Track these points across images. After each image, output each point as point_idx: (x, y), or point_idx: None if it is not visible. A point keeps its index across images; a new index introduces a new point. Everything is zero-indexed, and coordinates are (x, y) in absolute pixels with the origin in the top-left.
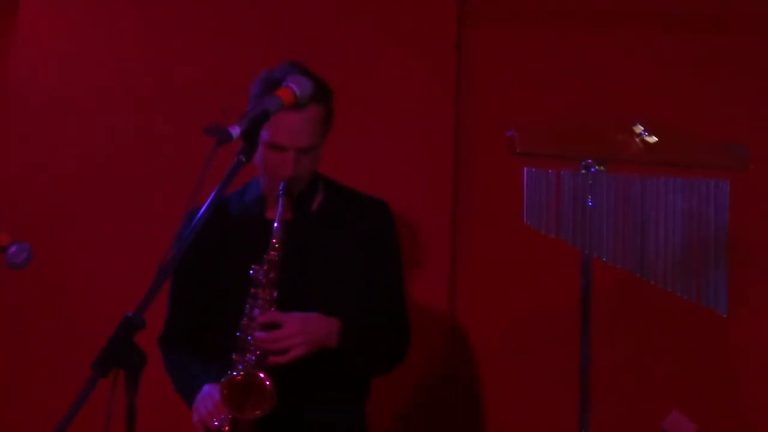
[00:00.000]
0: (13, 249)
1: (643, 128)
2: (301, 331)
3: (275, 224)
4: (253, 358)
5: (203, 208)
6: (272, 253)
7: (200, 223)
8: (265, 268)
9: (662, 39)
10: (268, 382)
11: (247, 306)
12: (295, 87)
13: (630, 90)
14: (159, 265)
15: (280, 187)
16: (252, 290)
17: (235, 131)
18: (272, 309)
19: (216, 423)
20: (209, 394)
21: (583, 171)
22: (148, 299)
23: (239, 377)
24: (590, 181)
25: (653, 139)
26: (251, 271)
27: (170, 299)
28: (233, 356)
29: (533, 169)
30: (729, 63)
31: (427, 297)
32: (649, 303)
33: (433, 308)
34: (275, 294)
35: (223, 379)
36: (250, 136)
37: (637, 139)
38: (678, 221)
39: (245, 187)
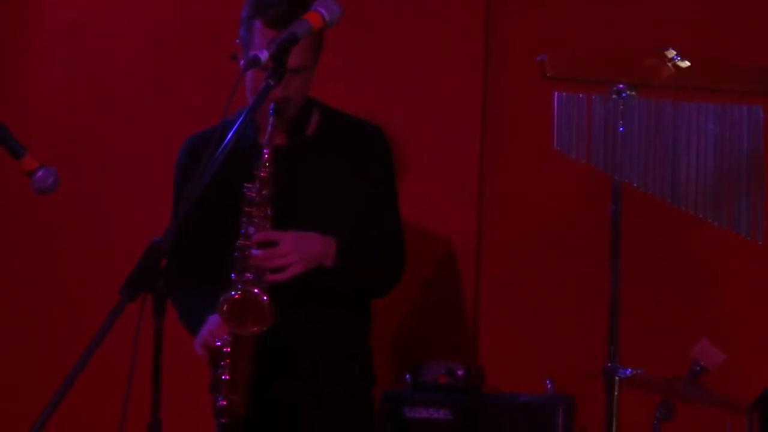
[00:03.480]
0: (40, 173)
1: (675, 53)
2: (297, 249)
3: (264, 142)
4: (251, 277)
5: (229, 135)
6: (263, 170)
7: (227, 149)
8: (258, 185)
9: None
10: (265, 298)
11: (243, 225)
12: (324, 11)
13: (662, 14)
14: (187, 189)
15: (271, 107)
16: (246, 209)
17: (264, 55)
18: (267, 226)
19: (218, 343)
20: (211, 321)
21: (615, 96)
22: (176, 224)
23: (237, 295)
24: (621, 107)
25: (685, 63)
26: (244, 189)
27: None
28: (232, 276)
29: (564, 94)
30: None
31: (455, 226)
32: (681, 230)
33: (461, 238)
34: (269, 212)
35: (221, 297)
36: (279, 60)
37: (669, 64)
38: (710, 147)
39: (239, 113)
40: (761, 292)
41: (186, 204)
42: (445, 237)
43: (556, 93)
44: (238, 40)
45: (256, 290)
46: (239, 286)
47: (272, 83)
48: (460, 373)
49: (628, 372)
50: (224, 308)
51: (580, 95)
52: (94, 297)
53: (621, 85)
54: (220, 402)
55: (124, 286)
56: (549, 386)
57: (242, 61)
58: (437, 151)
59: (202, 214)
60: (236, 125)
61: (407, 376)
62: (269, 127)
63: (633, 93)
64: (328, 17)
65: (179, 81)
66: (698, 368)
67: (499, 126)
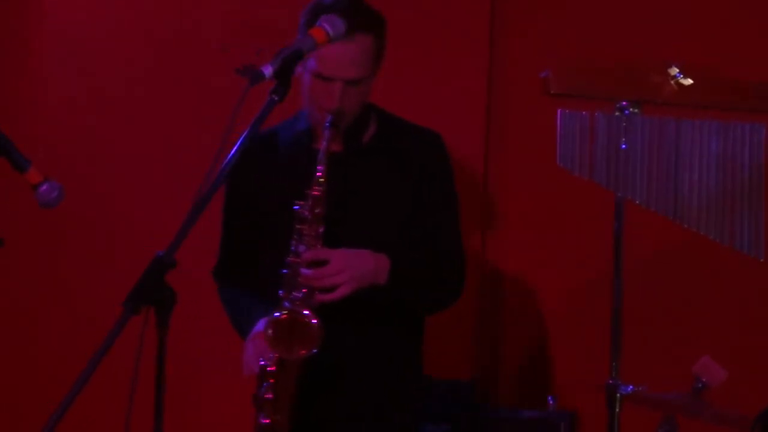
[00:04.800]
0: (44, 187)
1: (678, 70)
2: (348, 268)
3: (318, 158)
4: (300, 295)
5: (235, 148)
6: (316, 188)
7: (231, 164)
8: (310, 203)
9: None
10: (314, 321)
11: (293, 242)
12: (328, 27)
13: (666, 31)
14: (192, 202)
15: (327, 119)
16: (297, 226)
17: (268, 71)
18: (319, 245)
19: (262, 363)
20: (260, 331)
21: (618, 113)
22: (180, 237)
23: (284, 316)
24: (624, 123)
25: (688, 81)
26: (296, 207)
27: (222, 231)
28: (280, 293)
29: (567, 111)
30: (767, 2)
31: None
32: (683, 247)
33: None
34: (321, 230)
35: (267, 319)
36: (283, 76)
37: (672, 81)
38: (713, 164)
39: (295, 117)
40: (764, 309)
41: (195, 213)
42: None
43: (559, 110)
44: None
45: (305, 312)
46: (286, 305)
47: (276, 99)
48: (462, 388)
49: (629, 388)
50: (269, 332)
51: (583, 112)
52: (94, 298)
53: (624, 102)
54: (263, 420)
55: (127, 299)
56: (551, 402)
57: (299, 68)
58: None
59: (256, 222)
60: (238, 143)
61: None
62: (324, 142)
63: (636, 110)
64: (332, 33)
65: (180, 83)
66: (700, 385)
67: (503, 142)
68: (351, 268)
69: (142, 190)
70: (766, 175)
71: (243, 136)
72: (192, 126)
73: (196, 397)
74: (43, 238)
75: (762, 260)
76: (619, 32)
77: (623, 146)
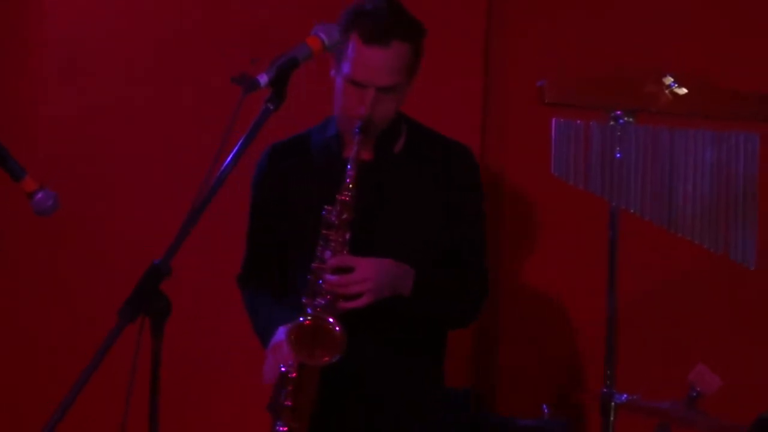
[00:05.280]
0: (39, 195)
1: (672, 79)
2: (373, 276)
3: (348, 165)
4: (323, 302)
5: (230, 157)
6: (345, 193)
7: (226, 172)
8: (338, 209)
9: None
10: (338, 328)
11: (319, 248)
12: (324, 36)
13: (660, 41)
14: (189, 210)
15: (357, 125)
16: (324, 231)
17: (263, 79)
18: (345, 252)
19: (283, 369)
20: (281, 340)
21: (612, 122)
22: (176, 245)
23: (308, 322)
24: (619, 133)
25: (683, 90)
26: (323, 212)
27: (248, 236)
28: (303, 300)
29: (562, 120)
30: (761, 13)
31: None
32: (677, 256)
33: None
34: (348, 236)
35: (291, 324)
36: (279, 85)
37: (667, 91)
38: (707, 174)
39: (325, 122)
40: (758, 318)
41: (191, 221)
42: None
43: (554, 119)
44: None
45: (330, 319)
46: (309, 312)
47: (272, 108)
48: (458, 397)
49: (624, 397)
50: (292, 337)
51: (578, 121)
52: (93, 301)
53: (618, 112)
54: (280, 428)
55: (122, 308)
56: (546, 411)
57: (332, 71)
58: None
59: (282, 227)
60: (233, 152)
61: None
62: (355, 147)
63: (630, 119)
64: (328, 42)
65: (179, 86)
66: (695, 393)
67: (499, 150)
68: (376, 277)
69: (141, 192)
70: (760, 185)
71: (238, 145)
72: (191, 129)
73: (193, 404)
74: (42, 241)
75: (753, 269)
76: (615, 41)
77: (618, 155)
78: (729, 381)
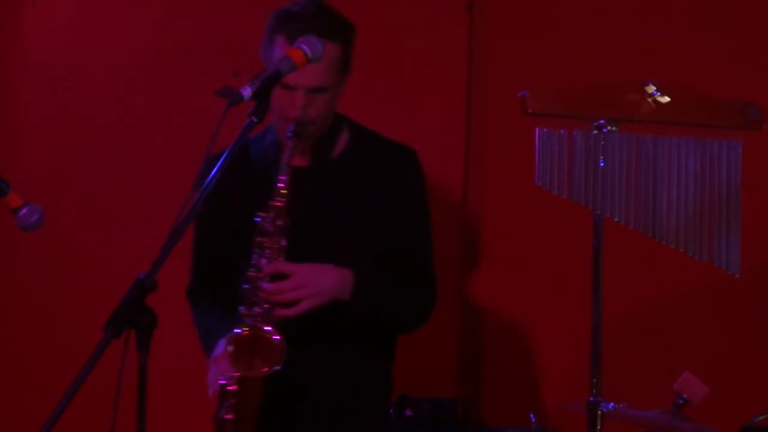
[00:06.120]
0: (24, 211)
1: (655, 88)
2: (310, 282)
3: (281, 170)
4: (261, 311)
5: (214, 170)
6: (278, 199)
7: (211, 184)
8: (272, 215)
9: None
10: (276, 337)
11: (254, 256)
12: (307, 48)
13: (642, 50)
14: (173, 224)
15: (289, 129)
16: (258, 239)
17: (247, 92)
18: (281, 259)
19: (222, 382)
20: (221, 353)
21: (595, 131)
22: (161, 260)
23: (245, 333)
24: (602, 142)
25: (666, 99)
26: (257, 219)
27: (193, 249)
28: (241, 310)
29: (545, 130)
30: (743, 22)
31: (439, 260)
32: (662, 264)
33: (446, 272)
34: (284, 243)
35: (228, 336)
36: (262, 97)
37: (650, 99)
38: (690, 182)
39: (265, 130)
40: (743, 325)
41: (176, 235)
42: None
43: (537, 129)
44: (261, 55)
45: (266, 328)
46: (247, 322)
47: (255, 120)
48: (444, 407)
49: (611, 406)
50: (230, 349)
51: (561, 131)
52: (77, 319)
53: (602, 121)
54: None
55: (108, 323)
56: (533, 420)
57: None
58: None
59: (226, 239)
60: (218, 164)
61: (391, 410)
62: (286, 152)
63: (614, 128)
64: (311, 54)
65: (164, 102)
66: (681, 401)
67: (482, 162)
68: (313, 283)
69: (126, 206)
70: (743, 192)
71: (222, 158)
72: (175, 142)
73: (179, 419)
74: (25, 255)
75: (738, 276)
76: (596, 51)
77: (601, 164)
78: (715, 389)
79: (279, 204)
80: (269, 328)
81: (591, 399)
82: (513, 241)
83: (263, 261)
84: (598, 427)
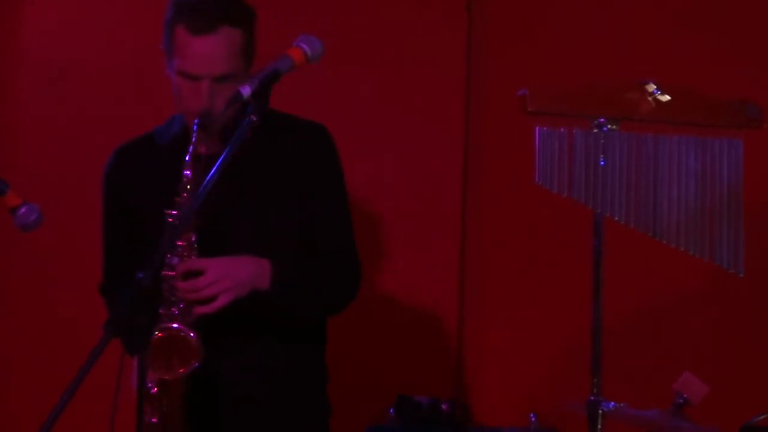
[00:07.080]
0: (22, 210)
1: (655, 87)
2: (225, 276)
3: (186, 162)
4: (179, 311)
5: (213, 170)
6: (184, 195)
7: (210, 185)
8: (179, 212)
9: None
10: (192, 335)
11: (167, 255)
12: (307, 47)
13: (642, 48)
14: (170, 224)
15: (195, 121)
16: (168, 237)
17: (246, 91)
18: (193, 255)
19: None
20: None
21: (596, 130)
22: (159, 258)
23: (160, 334)
24: (602, 140)
25: (666, 97)
26: (168, 219)
27: (103, 243)
28: (160, 311)
29: (545, 129)
30: (742, 21)
31: (438, 259)
32: (663, 263)
33: (445, 271)
34: (194, 238)
35: None
36: (261, 96)
37: (650, 98)
38: (691, 180)
39: (170, 120)
40: (743, 325)
41: (174, 233)
42: (429, 271)
43: (537, 127)
44: (161, 46)
45: (177, 326)
46: (165, 323)
47: (254, 119)
48: (444, 407)
49: (611, 405)
50: (147, 353)
51: (561, 129)
52: (76, 319)
53: (602, 119)
54: None
55: (107, 323)
56: (533, 420)
57: (167, 69)
58: (419, 189)
59: (135, 233)
60: (216, 165)
61: (391, 410)
62: (191, 146)
63: (614, 127)
64: (310, 53)
65: (163, 102)
66: (681, 401)
67: (481, 160)
68: (228, 277)
69: None
70: (745, 190)
71: (221, 157)
72: None
73: None
74: (23, 255)
75: (741, 276)
76: (597, 49)
77: (602, 163)
78: (715, 389)
79: (185, 200)
80: (180, 326)
81: (591, 398)
82: (513, 240)
83: (175, 259)
84: (599, 426)
